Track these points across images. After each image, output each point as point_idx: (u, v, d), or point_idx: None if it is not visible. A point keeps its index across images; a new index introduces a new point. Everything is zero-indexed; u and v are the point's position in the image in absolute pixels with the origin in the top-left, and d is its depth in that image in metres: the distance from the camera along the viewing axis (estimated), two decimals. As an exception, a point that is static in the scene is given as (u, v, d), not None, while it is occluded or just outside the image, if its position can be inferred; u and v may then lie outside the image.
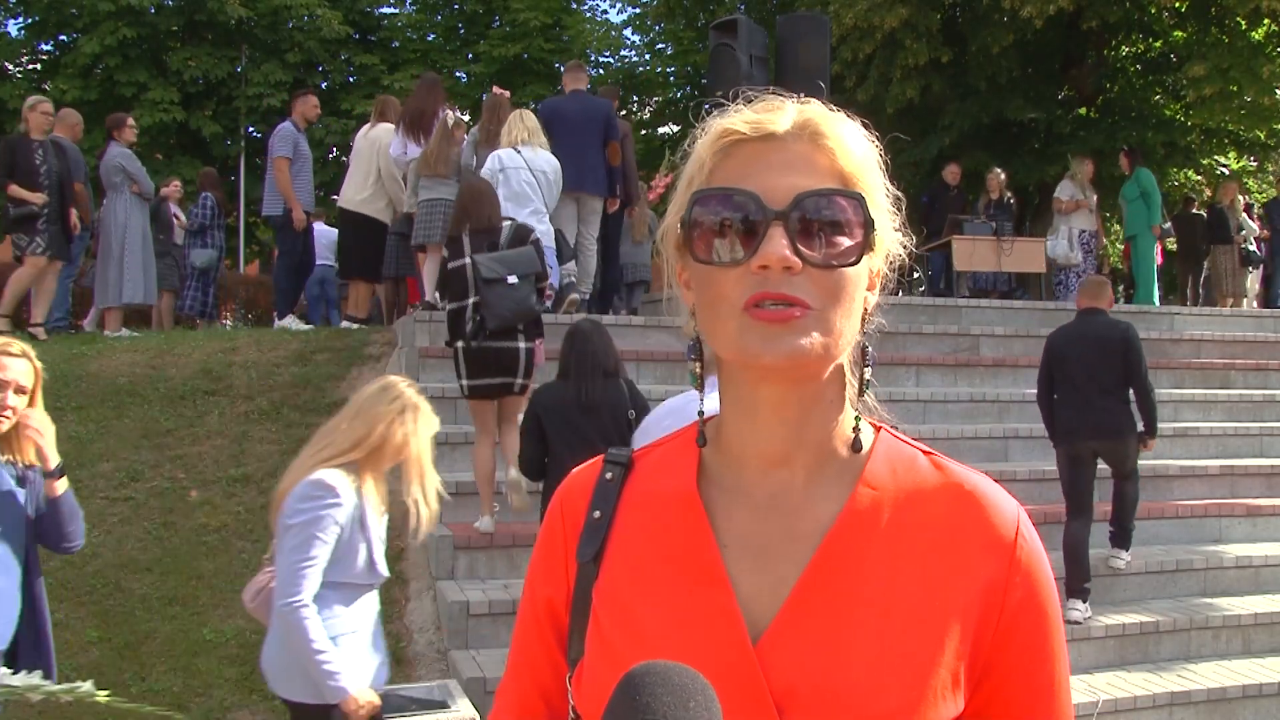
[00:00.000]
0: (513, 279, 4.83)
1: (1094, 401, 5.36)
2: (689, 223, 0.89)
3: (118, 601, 4.88)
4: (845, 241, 0.86)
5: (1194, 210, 13.37)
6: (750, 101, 0.92)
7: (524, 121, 6.58)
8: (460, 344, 4.93)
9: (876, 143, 0.93)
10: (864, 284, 0.90)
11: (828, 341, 0.85)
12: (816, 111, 0.90)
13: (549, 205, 6.59)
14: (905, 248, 0.96)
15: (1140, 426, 5.46)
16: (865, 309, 0.92)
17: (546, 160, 6.53)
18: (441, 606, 4.92)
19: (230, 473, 5.79)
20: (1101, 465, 5.52)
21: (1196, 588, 5.93)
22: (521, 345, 4.95)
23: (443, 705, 3.63)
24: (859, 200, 0.86)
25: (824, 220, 0.85)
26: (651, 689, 0.70)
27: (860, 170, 0.89)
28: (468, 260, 4.88)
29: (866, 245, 0.87)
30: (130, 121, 8.74)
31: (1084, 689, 4.90)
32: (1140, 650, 5.39)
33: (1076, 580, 5.29)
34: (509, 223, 5.19)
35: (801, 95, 0.92)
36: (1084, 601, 5.30)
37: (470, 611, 4.72)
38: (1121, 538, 5.65)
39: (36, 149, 7.31)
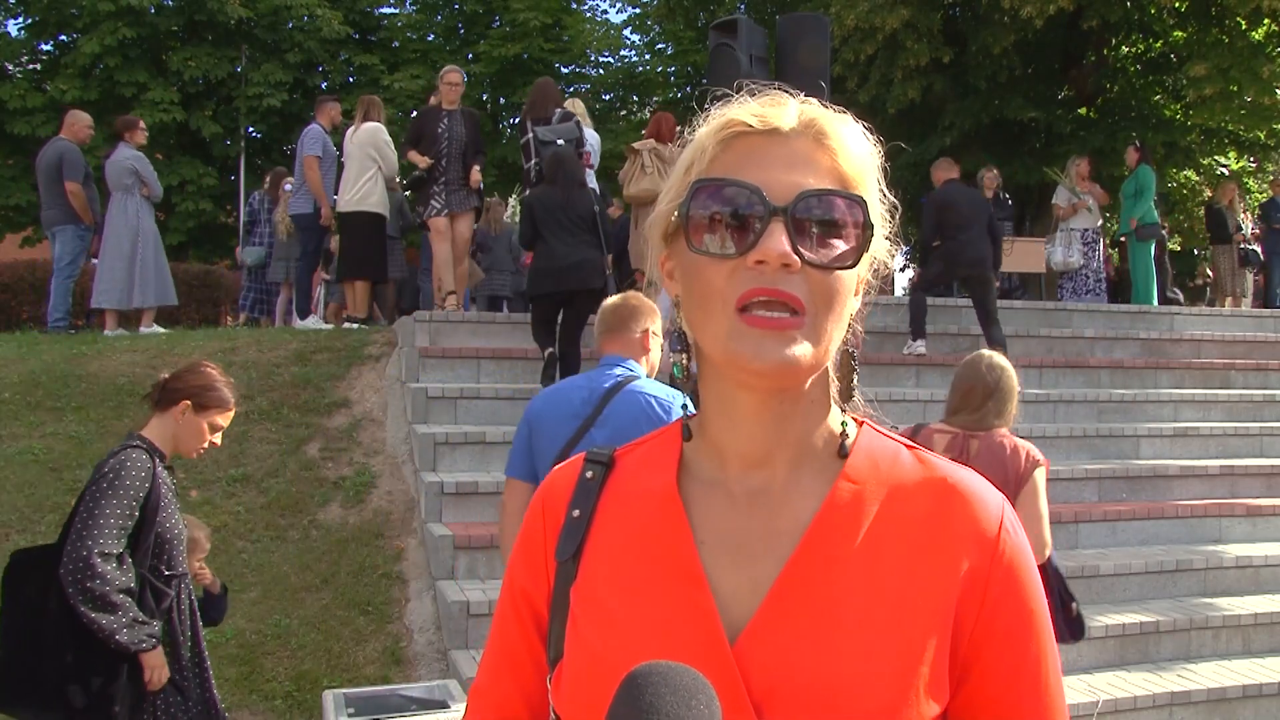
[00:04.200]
0: (560, 142, 6.89)
1: (974, 241, 7.52)
2: (686, 211, 0.87)
3: (118, 601, 4.88)
4: (843, 245, 0.85)
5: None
6: (754, 95, 0.90)
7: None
8: (529, 191, 6.92)
9: (878, 146, 0.92)
10: (854, 289, 0.89)
11: (817, 351, 0.85)
12: (821, 111, 0.89)
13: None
14: (891, 254, 0.95)
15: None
16: (851, 313, 0.91)
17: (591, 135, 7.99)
18: (441, 606, 4.92)
19: (230, 473, 5.79)
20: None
21: (1196, 588, 5.93)
22: None
23: (443, 705, 3.63)
24: (861, 204, 0.86)
25: (824, 221, 0.84)
26: (656, 688, 0.70)
27: (860, 174, 0.88)
28: (530, 134, 7.10)
29: (864, 249, 0.86)
30: (141, 124, 8.76)
31: (1084, 689, 4.90)
32: (1140, 650, 5.39)
33: (919, 328, 7.73)
34: (559, 109, 7.28)
35: (803, 94, 0.91)
36: (925, 340, 7.72)
37: (470, 611, 4.73)
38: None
39: (442, 117, 7.50)
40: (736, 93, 0.91)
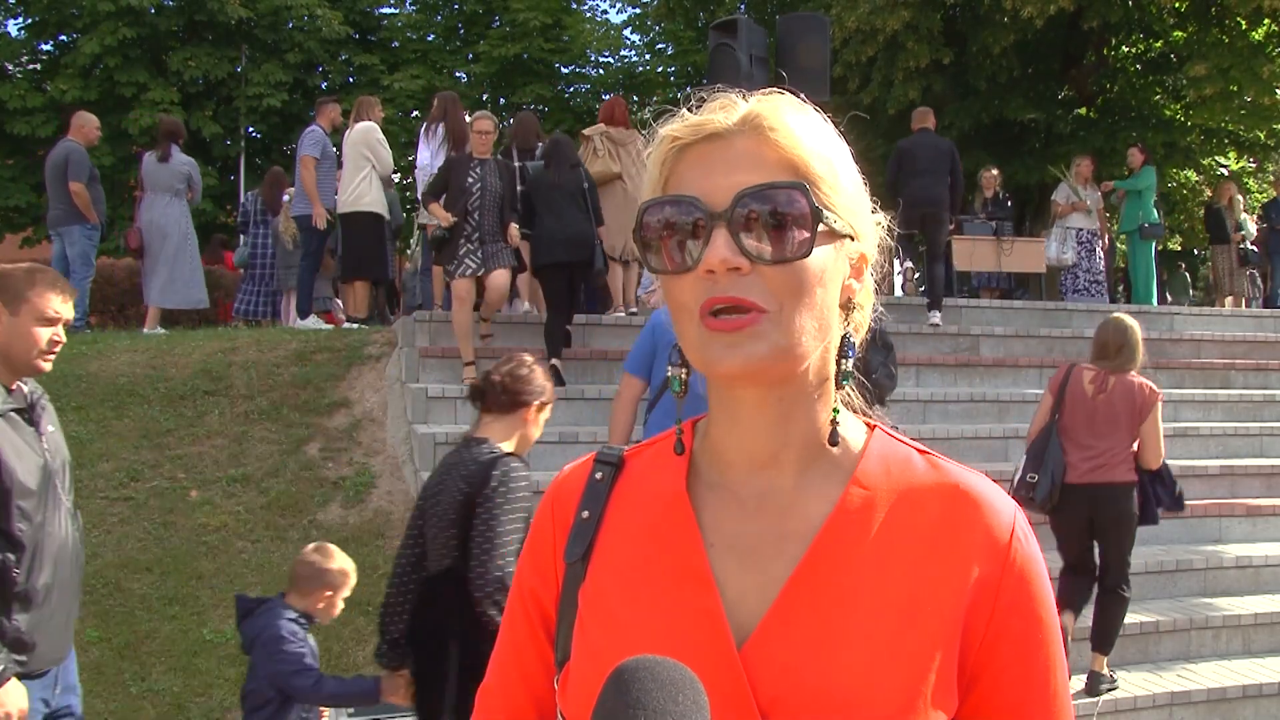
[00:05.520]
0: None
1: (929, 184, 8.19)
2: (638, 235, 0.87)
3: (118, 601, 4.88)
4: (796, 234, 0.83)
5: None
6: (700, 103, 0.90)
7: None
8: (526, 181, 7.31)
9: (832, 126, 0.90)
10: (837, 273, 0.88)
11: (789, 343, 0.84)
12: (766, 104, 0.87)
13: None
14: (883, 226, 0.93)
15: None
16: (850, 297, 0.90)
17: None
18: (441, 606, 4.92)
19: (230, 473, 5.80)
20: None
21: (1196, 588, 5.93)
22: None
23: (443, 705, 3.63)
24: (801, 190, 0.83)
25: (769, 215, 0.83)
26: (642, 682, 0.70)
27: (812, 158, 0.86)
28: (516, 165, 7.37)
29: (816, 235, 0.84)
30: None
31: (1084, 689, 4.90)
32: (1140, 650, 5.39)
33: (936, 299, 8.31)
34: (541, 144, 7.51)
35: (748, 91, 0.90)
36: (941, 311, 8.24)
37: (470, 611, 4.72)
38: (935, 302, 8.36)
39: (474, 167, 6.58)
40: (682, 106, 0.90)
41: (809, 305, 0.84)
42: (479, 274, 6.44)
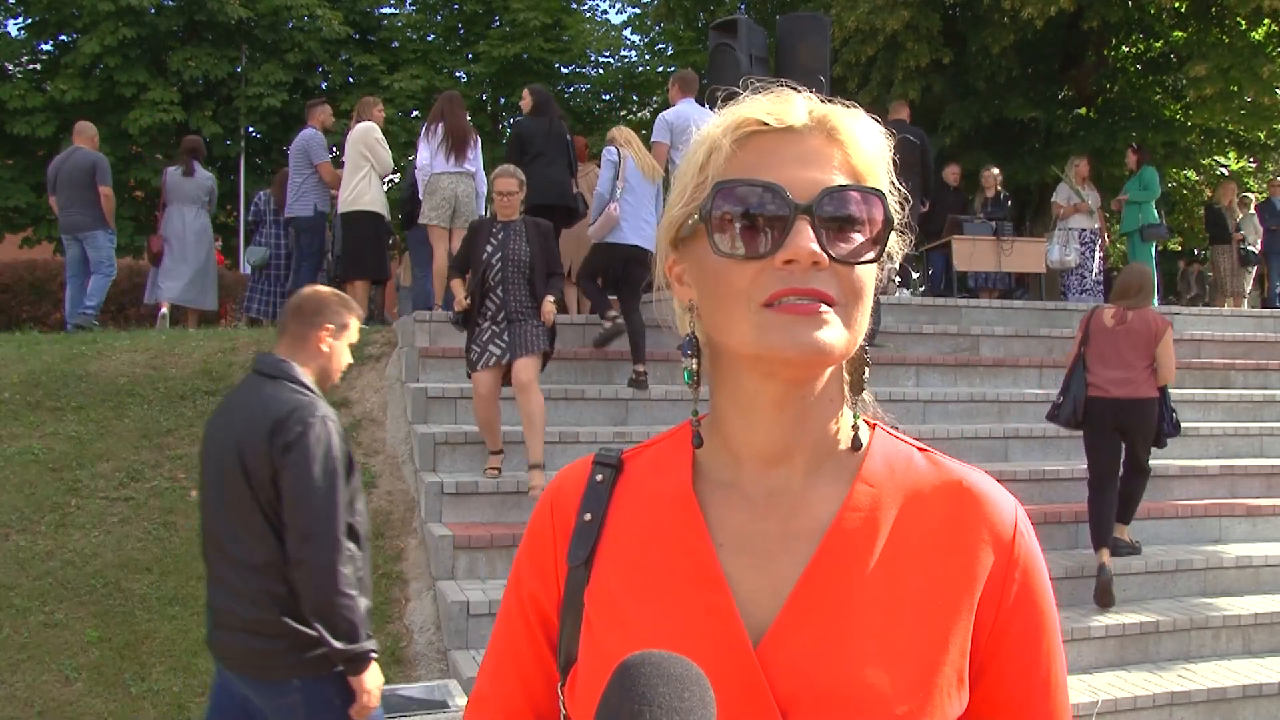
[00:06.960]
0: None
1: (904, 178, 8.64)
2: (708, 214, 0.86)
3: (118, 601, 4.88)
4: (866, 237, 0.85)
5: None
6: (759, 91, 0.90)
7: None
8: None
9: (890, 139, 0.92)
10: (874, 283, 0.89)
11: (849, 339, 0.85)
12: (830, 106, 0.89)
13: None
14: (901, 249, 0.94)
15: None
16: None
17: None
18: (441, 606, 4.92)
19: (230, 473, 5.78)
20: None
21: (1196, 588, 5.93)
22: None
23: (443, 705, 3.64)
24: (881, 197, 0.86)
25: (847, 217, 0.84)
26: (648, 678, 0.70)
27: (871, 166, 0.88)
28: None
29: (885, 242, 0.86)
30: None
31: (1084, 689, 4.90)
32: (1140, 650, 5.39)
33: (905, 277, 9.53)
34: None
35: (807, 89, 0.91)
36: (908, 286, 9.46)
37: (470, 611, 4.73)
38: (905, 280, 9.56)
39: (495, 232, 5.60)
40: (742, 89, 0.91)
41: (863, 309, 0.86)
42: (503, 361, 5.46)
